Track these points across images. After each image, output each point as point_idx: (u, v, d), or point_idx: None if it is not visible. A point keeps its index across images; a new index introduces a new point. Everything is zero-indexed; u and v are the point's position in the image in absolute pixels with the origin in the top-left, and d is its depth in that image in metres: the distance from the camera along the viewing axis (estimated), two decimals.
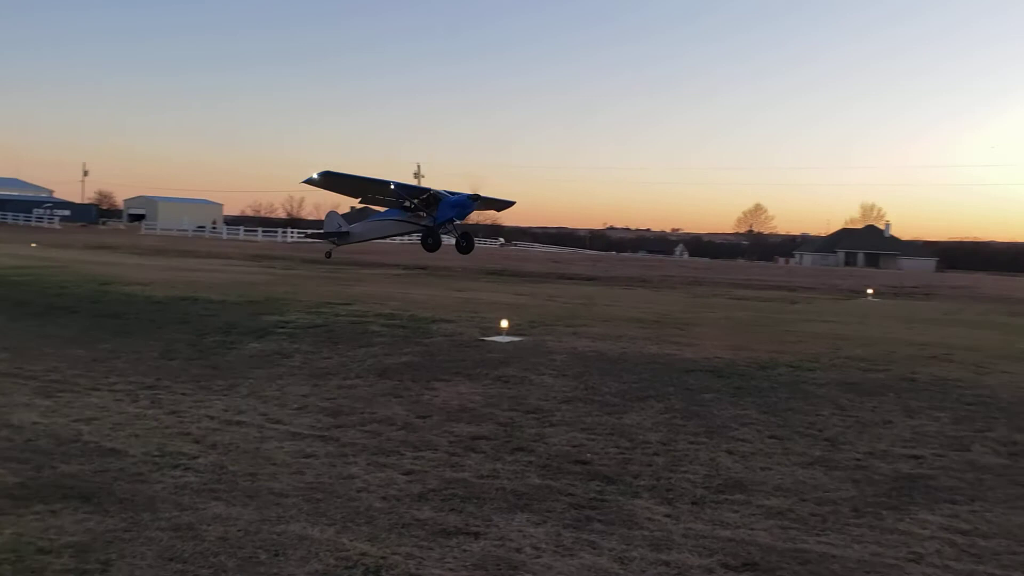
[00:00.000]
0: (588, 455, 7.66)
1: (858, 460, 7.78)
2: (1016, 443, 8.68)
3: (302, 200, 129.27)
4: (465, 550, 5.37)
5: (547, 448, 7.87)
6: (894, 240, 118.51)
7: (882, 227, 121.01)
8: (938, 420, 9.63)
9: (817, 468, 7.48)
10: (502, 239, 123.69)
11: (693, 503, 6.39)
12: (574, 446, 7.97)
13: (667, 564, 5.23)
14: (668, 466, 7.38)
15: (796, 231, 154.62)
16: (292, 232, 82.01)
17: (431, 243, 17.69)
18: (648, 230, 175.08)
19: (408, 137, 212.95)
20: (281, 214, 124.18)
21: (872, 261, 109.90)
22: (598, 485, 6.77)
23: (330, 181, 16.20)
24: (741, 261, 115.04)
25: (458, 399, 9.92)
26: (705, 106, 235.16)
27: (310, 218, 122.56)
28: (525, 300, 25.30)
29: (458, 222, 17.27)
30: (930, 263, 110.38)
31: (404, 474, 6.94)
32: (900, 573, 5.18)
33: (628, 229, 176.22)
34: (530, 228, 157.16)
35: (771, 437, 8.56)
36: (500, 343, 14.64)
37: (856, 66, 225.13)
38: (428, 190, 16.95)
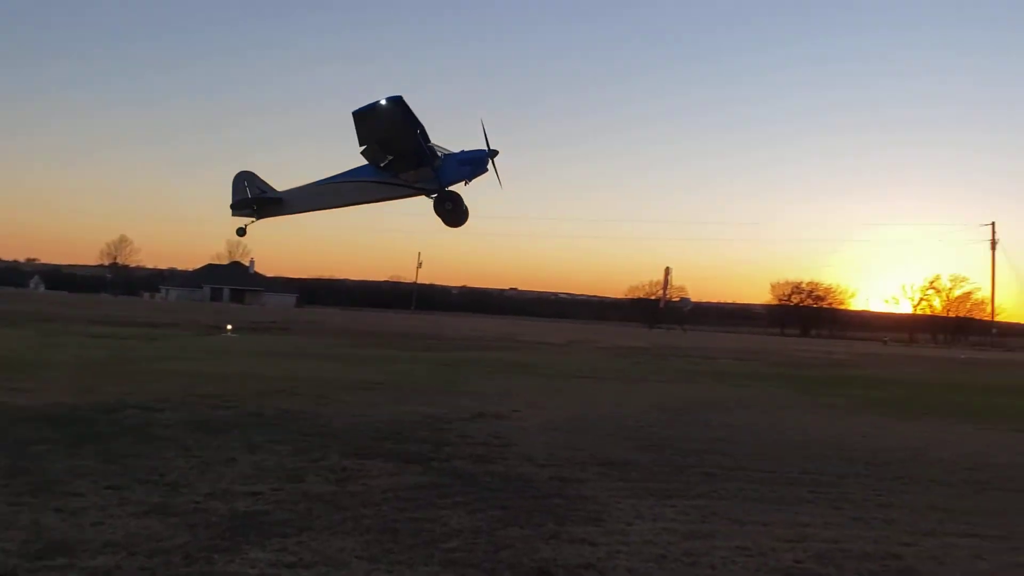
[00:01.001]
0: None
1: (197, 503, 7.71)
2: (345, 469, 9.52)
3: None
4: None
5: None
6: (259, 276, 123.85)
7: (247, 263, 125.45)
8: (278, 453, 10.12)
9: (153, 517, 7.21)
10: None
11: None
12: None
13: None
14: None
15: (165, 265, 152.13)
16: None
17: (451, 208, 13.61)
18: None
19: None
20: None
21: (238, 296, 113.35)
22: None
23: (392, 114, 11.94)
24: (104, 295, 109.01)
25: None
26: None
27: None
28: None
29: (466, 184, 13.64)
30: (291, 299, 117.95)
31: None
32: None
33: None
34: None
35: (108, 488, 8.03)
36: None
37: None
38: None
